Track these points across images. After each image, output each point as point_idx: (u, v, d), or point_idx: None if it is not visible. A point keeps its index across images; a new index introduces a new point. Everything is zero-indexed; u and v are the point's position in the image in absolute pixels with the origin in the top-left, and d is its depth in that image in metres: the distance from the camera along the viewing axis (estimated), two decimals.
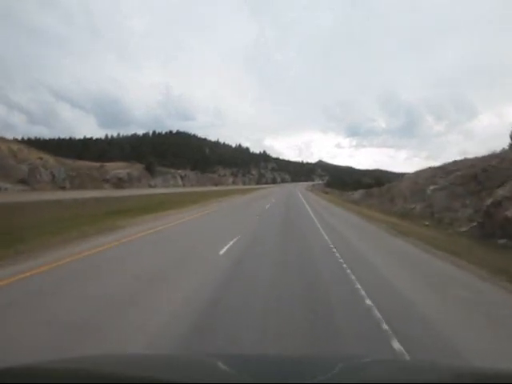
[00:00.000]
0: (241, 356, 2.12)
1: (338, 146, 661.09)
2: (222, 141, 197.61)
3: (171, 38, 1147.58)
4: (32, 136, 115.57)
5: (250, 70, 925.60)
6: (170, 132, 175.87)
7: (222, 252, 7.77)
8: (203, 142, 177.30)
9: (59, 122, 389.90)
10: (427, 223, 17.38)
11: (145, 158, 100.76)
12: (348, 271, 6.25)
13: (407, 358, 3.03)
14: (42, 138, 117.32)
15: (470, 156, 22.81)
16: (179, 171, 68.36)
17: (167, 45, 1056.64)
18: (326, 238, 10.93)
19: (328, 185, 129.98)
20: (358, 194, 39.85)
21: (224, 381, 1.18)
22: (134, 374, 1.20)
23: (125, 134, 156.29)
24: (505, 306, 4.67)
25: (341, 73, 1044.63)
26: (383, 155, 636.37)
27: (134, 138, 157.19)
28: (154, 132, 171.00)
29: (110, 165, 49.89)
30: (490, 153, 19.78)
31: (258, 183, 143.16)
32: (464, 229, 14.59)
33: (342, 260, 7.48)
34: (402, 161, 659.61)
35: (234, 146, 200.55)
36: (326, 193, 66.93)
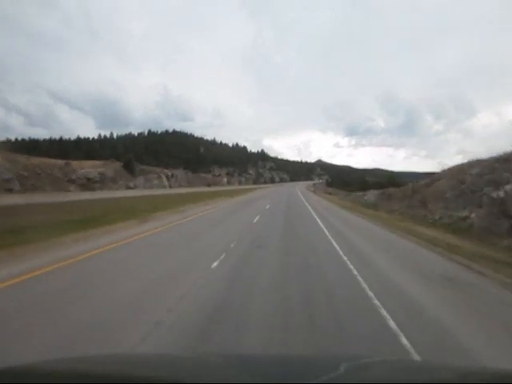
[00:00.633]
0: (241, 356, 2.08)
1: (337, 145, 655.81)
2: (220, 140, 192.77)
3: (169, 40, 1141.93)
4: (27, 138, 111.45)
5: (249, 71, 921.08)
6: (166, 131, 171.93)
7: None
8: (200, 142, 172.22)
9: (57, 123, 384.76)
10: None
11: (136, 157, 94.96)
12: None
13: None
14: (35, 139, 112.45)
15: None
16: (166, 170, 61.33)
17: (165, 46, 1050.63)
18: (362, 283, 5.56)
19: (329, 184, 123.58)
20: (371, 195, 33.01)
21: (224, 381, 1.17)
22: (133, 374, 1.19)
23: (119, 134, 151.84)
24: None
25: (340, 73, 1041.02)
26: (382, 154, 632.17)
27: (128, 137, 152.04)
28: (149, 131, 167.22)
29: (78, 163, 42.92)
30: None
31: (255, 183, 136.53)
32: None
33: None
34: (400, 160, 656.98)
35: (231, 145, 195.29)
36: (330, 193, 60.02)
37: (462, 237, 12.82)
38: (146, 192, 38.47)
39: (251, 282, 5.40)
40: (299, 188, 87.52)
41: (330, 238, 10.70)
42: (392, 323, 3.79)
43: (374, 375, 1.30)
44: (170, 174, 59.41)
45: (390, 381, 1.19)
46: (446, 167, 24.17)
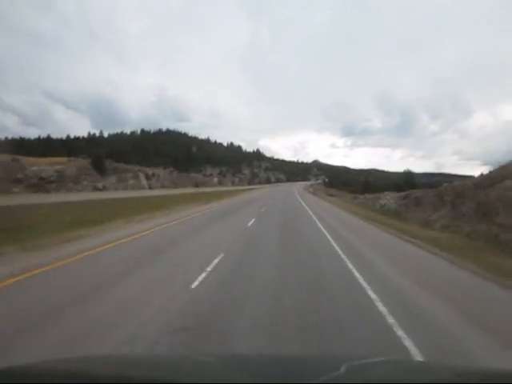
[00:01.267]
0: (240, 356, 2.08)
1: (333, 145, 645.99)
2: (217, 140, 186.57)
3: (166, 40, 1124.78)
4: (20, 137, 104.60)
5: (247, 71, 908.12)
6: (160, 131, 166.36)
7: None
8: (193, 141, 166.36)
9: (51, 122, 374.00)
10: None
11: (122, 156, 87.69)
12: None
13: None
14: (23, 138, 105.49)
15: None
16: (147, 169, 53.97)
17: (162, 46, 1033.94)
18: None
19: (328, 185, 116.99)
20: (389, 198, 26.01)
21: (223, 381, 1.15)
22: (131, 374, 1.18)
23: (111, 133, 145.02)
24: None
25: (337, 73, 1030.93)
26: (378, 155, 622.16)
27: (119, 136, 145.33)
28: (142, 130, 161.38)
29: (29, 160, 35.56)
30: None
31: (250, 183, 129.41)
32: None
33: None
34: (397, 160, 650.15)
35: (226, 144, 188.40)
36: (332, 195, 53.11)
37: None
38: (111, 195, 31.27)
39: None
40: (297, 189, 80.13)
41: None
42: None
43: (374, 375, 1.29)
44: (150, 173, 52.06)
45: (391, 381, 1.18)
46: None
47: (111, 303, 4.19)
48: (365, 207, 30.00)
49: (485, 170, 18.98)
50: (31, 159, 37.21)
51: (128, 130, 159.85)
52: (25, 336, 3.25)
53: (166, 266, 6.23)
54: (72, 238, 8.69)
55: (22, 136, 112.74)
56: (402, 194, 25.80)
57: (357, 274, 5.89)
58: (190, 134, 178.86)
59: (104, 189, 39.84)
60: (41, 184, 31.88)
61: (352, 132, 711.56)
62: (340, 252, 8.00)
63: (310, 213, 19.81)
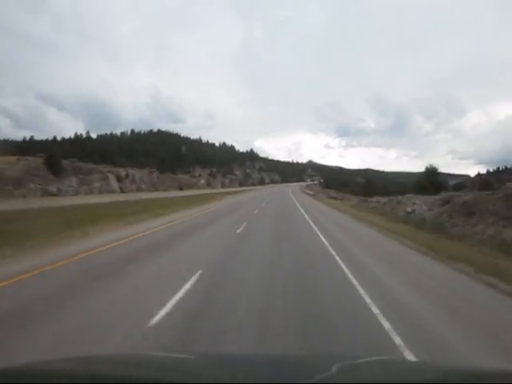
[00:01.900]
0: (234, 356, 2.08)
1: (328, 146, 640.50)
2: (209, 141, 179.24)
3: (160, 40, 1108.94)
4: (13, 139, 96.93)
5: (241, 71, 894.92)
6: (151, 131, 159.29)
7: None
8: (184, 141, 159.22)
9: (43, 124, 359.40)
10: None
11: (110, 158, 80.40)
12: None
13: None
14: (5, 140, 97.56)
15: None
16: (121, 169, 46.83)
17: (155, 46, 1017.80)
18: None
19: (326, 186, 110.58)
20: (420, 203, 19.29)
21: (217, 381, 1.16)
22: (133, 374, 1.18)
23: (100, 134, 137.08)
24: None
25: (332, 73, 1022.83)
26: (372, 155, 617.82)
27: (106, 137, 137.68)
28: (132, 131, 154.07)
29: None
30: None
31: (241, 185, 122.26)
32: None
33: None
34: (391, 160, 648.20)
35: (218, 144, 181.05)
36: (333, 198, 46.31)
37: None
38: (59, 202, 24.13)
39: None
40: (292, 191, 73.46)
41: None
42: None
43: (368, 375, 1.28)
44: (123, 173, 44.80)
45: (383, 381, 1.18)
46: None
47: None
48: (377, 213, 23.25)
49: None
50: None
51: (119, 132, 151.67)
52: None
53: None
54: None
55: (14, 139, 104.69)
56: (437, 197, 19.19)
57: None
58: (182, 135, 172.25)
59: (59, 193, 32.59)
60: None
61: (346, 132, 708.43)
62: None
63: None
